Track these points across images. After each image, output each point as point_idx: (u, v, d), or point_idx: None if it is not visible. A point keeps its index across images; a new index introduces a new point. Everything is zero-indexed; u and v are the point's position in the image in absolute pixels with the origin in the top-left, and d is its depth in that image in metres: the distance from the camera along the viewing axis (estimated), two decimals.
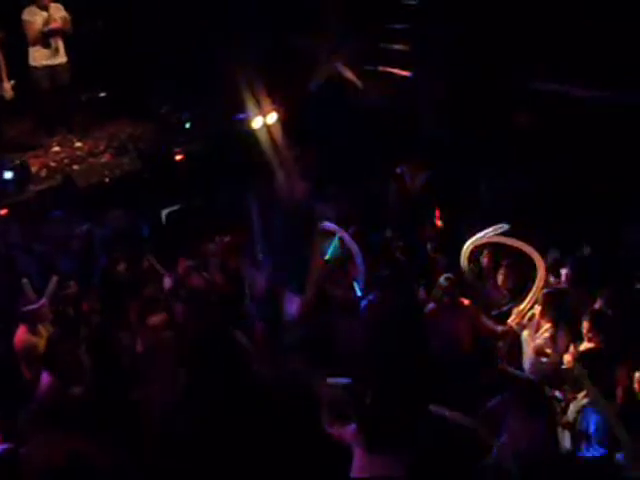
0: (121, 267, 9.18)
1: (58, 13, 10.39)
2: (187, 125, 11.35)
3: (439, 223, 9.60)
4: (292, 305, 7.58)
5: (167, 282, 8.66)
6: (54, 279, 7.69)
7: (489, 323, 7.51)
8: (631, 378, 5.76)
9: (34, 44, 10.44)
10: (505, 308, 7.68)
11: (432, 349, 7.27)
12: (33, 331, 7.14)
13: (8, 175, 9.81)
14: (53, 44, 10.46)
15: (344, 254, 8.76)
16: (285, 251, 8.80)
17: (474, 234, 7.96)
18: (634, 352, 6.13)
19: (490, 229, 7.89)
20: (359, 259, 8.25)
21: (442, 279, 7.54)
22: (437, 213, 9.69)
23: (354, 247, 8.34)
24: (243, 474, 5.80)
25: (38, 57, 10.51)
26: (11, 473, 5.31)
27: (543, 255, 7.53)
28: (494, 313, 7.72)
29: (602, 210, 9.25)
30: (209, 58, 11.48)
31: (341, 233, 8.58)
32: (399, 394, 5.99)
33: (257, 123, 11.16)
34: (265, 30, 11.73)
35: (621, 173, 9.40)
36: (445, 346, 7.26)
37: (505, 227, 7.87)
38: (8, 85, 10.38)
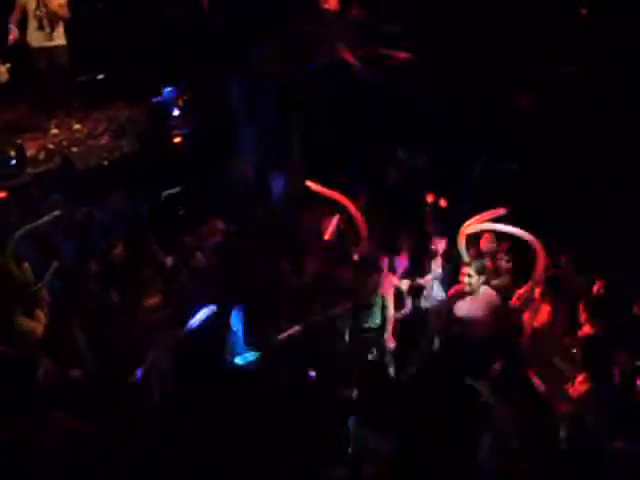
0: (118, 250, 9.17)
1: None
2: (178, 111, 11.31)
3: (444, 203, 9.56)
4: None
5: (168, 261, 8.66)
6: (54, 264, 7.67)
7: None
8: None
9: (30, 26, 10.38)
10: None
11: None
12: (31, 315, 7.13)
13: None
14: (49, 26, 10.39)
15: (345, 233, 8.79)
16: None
17: (472, 216, 7.96)
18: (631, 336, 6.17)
19: (487, 213, 7.89)
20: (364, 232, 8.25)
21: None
22: (432, 196, 9.64)
23: (360, 220, 8.32)
24: (236, 454, 5.83)
25: (35, 39, 10.44)
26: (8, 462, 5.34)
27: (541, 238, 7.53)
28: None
29: (600, 194, 9.25)
30: (209, 41, 11.45)
31: (347, 203, 8.54)
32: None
33: None
34: (267, 12, 11.69)
35: (620, 158, 9.40)
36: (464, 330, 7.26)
37: (502, 212, 7.89)
38: (3, 68, 10.33)
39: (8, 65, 10.36)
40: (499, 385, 5.64)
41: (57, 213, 8.14)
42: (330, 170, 10.01)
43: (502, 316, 7.27)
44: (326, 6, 12.15)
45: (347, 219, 8.67)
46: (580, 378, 5.77)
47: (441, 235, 8.74)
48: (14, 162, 9.97)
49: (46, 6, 10.23)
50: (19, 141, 10.25)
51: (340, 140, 11.05)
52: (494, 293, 7.42)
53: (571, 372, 6.06)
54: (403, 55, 11.40)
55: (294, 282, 7.90)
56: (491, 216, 7.80)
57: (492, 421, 5.36)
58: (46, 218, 8.01)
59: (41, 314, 7.16)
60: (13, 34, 10.19)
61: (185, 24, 12.04)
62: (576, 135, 9.73)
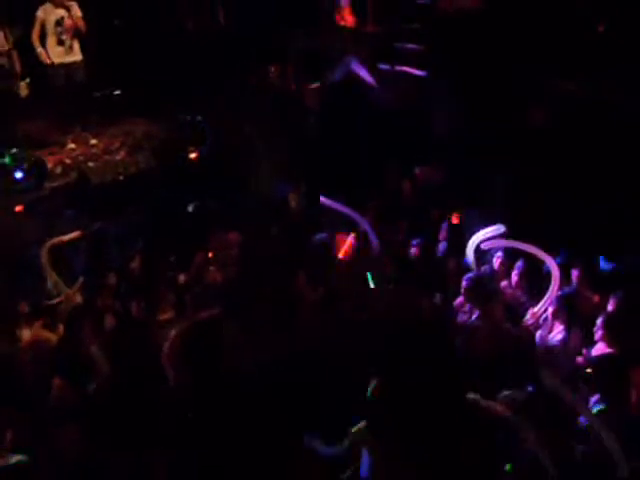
0: (135, 264, 9.23)
1: (72, 11, 10.45)
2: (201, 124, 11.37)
3: (456, 220, 9.59)
4: None
5: (181, 277, 8.68)
6: (80, 280, 7.72)
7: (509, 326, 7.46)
8: None
9: (49, 42, 10.51)
10: (519, 309, 7.67)
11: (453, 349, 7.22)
12: (50, 327, 7.18)
13: (19, 175, 9.88)
14: (67, 42, 10.52)
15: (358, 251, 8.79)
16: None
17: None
18: None
19: (488, 229, 7.94)
20: (375, 248, 8.25)
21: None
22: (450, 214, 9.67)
23: (372, 237, 8.32)
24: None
25: (53, 55, 10.57)
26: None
27: (554, 255, 7.53)
28: (508, 314, 7.70)
29: (615, 211, 9.22)
30: (224, 58, 11.53)
31: (360, 221, 8.55)
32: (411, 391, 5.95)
33: None
34: (281, 30, 11.77)
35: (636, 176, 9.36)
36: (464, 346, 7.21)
37: (502, 229, 7.97)
38: (23, 83, 10.45)
39: (27, 80, 10.49)
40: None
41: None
42: (344, 186, 10.02)
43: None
44: (342, 22, 12.22)
45: (361, 236, 8.69)
46: (594, 398, 5.74)
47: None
48: (33, 176, 10.07)
49: (71, 19, 10.36)
50: (41, 156, 10.36)
51: (354, 156, 11.06)
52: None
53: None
54: (418, 71, 11.43)
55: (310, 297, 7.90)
56: (491, 232, 7.86)
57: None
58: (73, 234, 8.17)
59: (62, 328, 7.22)
60: (44, 55, 10.37)
61: (201, 38, 12.14)
62: (591, 151, 9.71)
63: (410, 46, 11.66)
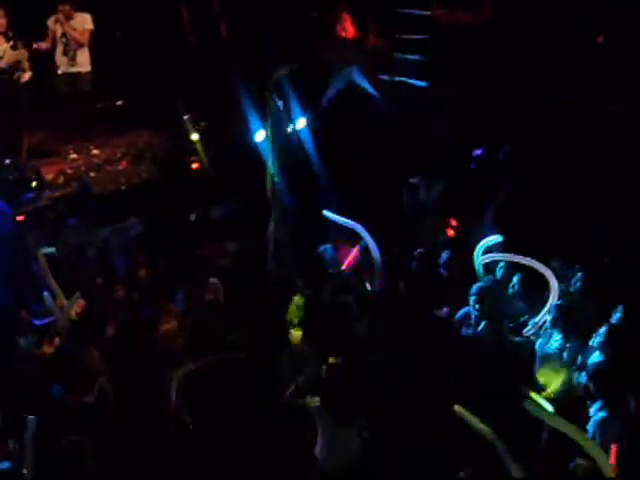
0: (142, 272, 9.23)
1: (80, 22, 10.51)
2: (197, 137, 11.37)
3: (451, 232, 9.63)
4: None
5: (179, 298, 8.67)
6: (77, 295, 7.68)
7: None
8: None
9: (57, 51, 10.60)
10: (522, 320, 7.67)
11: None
12: (50, 342, 7.17)
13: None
14: (71, 53, 10.58)
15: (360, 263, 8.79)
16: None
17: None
18: None
19: (486, 239, 8.04)
20: (378, 264, 8.26)
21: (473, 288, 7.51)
22: (451, 222, 9.71)
23: (374, 251, 8.34)
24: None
25: (61, 63, 10.65)
26: None
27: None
28: (511, 325, 7.70)
29: (613, 222, 9.24)
30: (227, 68, 11.56)
31: (362, 233, 8.57)
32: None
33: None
34: (284, 41, 11.78)
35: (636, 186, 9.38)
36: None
37: (499, 238, 8.11)
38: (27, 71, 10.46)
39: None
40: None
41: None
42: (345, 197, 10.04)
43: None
44: (344, 34, 12.24)
45: (364, 249, 8.69)
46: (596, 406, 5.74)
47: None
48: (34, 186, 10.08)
49: (69, 32, 10.43)
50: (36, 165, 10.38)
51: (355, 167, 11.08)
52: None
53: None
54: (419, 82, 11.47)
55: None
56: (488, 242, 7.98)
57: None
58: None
59: (58, 341, 7.20)
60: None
61: (203, 51, 12.18)
62: (590, 164, 9.74)
63: (411, 57, 11.71)
